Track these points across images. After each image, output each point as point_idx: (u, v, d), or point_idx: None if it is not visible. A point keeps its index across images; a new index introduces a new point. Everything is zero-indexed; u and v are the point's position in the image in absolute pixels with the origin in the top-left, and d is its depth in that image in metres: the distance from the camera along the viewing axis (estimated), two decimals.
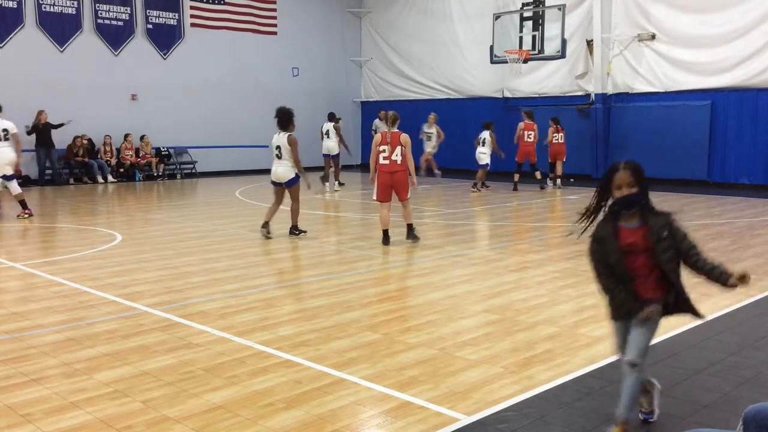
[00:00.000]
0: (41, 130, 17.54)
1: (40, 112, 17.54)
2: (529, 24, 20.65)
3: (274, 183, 10.01)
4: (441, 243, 9.68)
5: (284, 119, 9.83)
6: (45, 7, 18.23)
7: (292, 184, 9.88)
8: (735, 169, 17.34)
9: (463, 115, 22.33)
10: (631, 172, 3.49)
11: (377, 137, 9.47)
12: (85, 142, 18.56)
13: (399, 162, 9.20)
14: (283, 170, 9.82)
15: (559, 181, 17.47)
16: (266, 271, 7.90)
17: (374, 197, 9.46)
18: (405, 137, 9.28)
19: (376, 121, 21.54)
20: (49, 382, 4.37)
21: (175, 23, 20.70)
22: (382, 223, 9.47)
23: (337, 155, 17.35)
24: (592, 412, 3.93)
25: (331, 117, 17.60)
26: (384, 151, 9.22)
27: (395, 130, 9.32)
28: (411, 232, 9.58)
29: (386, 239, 9.42)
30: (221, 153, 21.60)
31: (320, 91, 23.96)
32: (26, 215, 11.84)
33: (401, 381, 4.39)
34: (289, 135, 9.76)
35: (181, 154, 20.89)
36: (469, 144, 22.39)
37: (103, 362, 4.73)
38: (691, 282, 7.22)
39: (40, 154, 17.72)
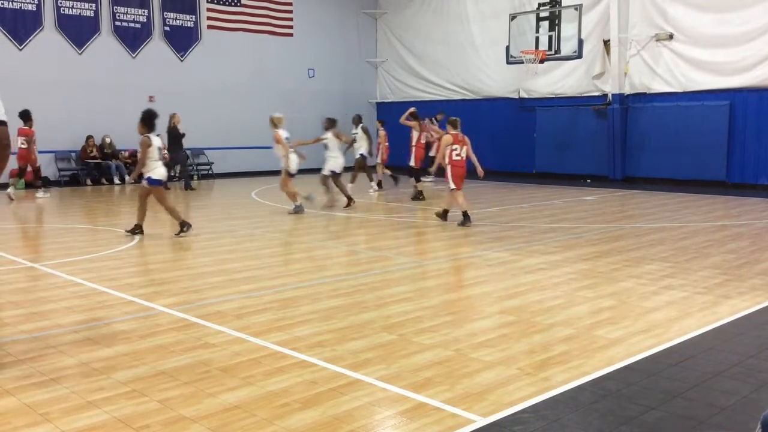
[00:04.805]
0: (172, 133, 17.60)
1: (173, 115, 17.52)
2: (545, 24, 20.57)
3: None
4: (456, 244, 9.66)
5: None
6: (63, 10, 18.40)
7: None
8: (754, 170, 17.18)
9: (479, 116, 22.30)
10: None
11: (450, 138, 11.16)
12: (108, 141, 18.79)
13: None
14: None
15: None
16: (282, 271, 7.92)
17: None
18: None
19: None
20: (67, 381, 4.40)
21: (192, 25, 20.83)
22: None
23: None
24: (608, 414, 3.91)
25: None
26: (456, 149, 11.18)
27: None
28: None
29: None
30: (238, 154, 21.71)
31: (336, 93, 24.01)
32: None
33: (416, 382, 4.39)
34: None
35: (198, 155, 21.02)
36: (482, 145, 22.40)
37: (121, 362, 4.76)
38: (710, 284, 7.20)
39: (173, 157, 17.76)
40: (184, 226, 10.11)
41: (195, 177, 20.64)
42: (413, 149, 15.50)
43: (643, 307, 6.21)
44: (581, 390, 4.27)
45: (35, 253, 9.02)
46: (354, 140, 15.87)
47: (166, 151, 16.10)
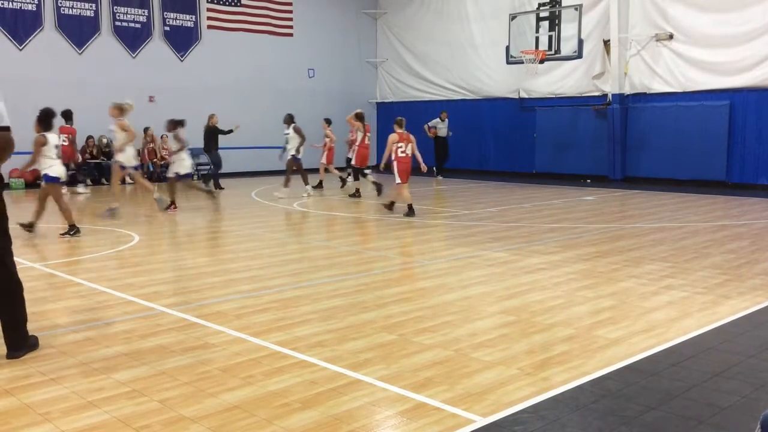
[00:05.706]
0: (207, 133, 17.58)
1: (211, 116, 17.58)
2: (545, 24, 20.58)
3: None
4: (456, 244, 9.66)
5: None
6: (64, 10, 18.41)
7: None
8: (754, 170, 17.19)
9: (479, 116, 22.32)
10: None
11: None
12: (105, 141, 18.78)
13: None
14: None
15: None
16: (282, 271, 7.92)
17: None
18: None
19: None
20: (67, 381, 4.41)
21: (192, 25, 20.83)
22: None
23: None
24: (608, 414, 3.91)
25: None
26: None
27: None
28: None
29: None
30: (238, 154, 21.68)
31: (336, 93, 24.01)
32: None
33: (416, 382, 4.39)
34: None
35: (198, 155, 20.97)
36: (482, 145, 22.45)
37: (121, 362, 4.76)
38: (710, 284, 7.20)
39: (211, 157, 17.95)
40: (72, 229, 10.03)
41: (195, 177, 20.62)
42: (357, 149, 15.96)
43: (643, 307, 6.21)
44: (581, 390, 4.27)
45: (36, 252, 9.02)
46: (287, 141, 15.74)
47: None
